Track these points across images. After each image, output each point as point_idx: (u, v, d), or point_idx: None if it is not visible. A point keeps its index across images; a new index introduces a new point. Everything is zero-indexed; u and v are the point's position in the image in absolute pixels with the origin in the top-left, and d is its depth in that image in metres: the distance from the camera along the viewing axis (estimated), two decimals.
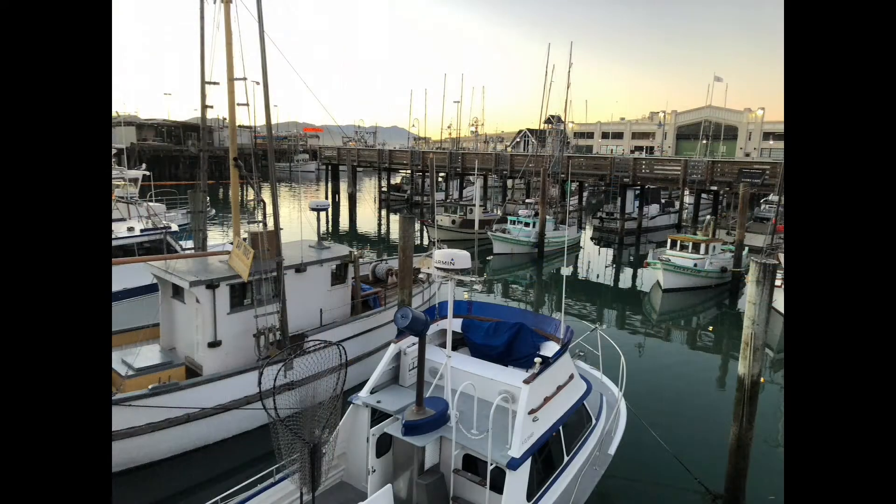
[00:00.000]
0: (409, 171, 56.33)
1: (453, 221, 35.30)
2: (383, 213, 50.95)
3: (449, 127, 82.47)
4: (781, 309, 20.28)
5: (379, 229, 43.41)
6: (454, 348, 9.04)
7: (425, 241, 35.41)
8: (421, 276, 16.58)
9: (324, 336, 11.73)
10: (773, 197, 40.81)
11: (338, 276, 13.28)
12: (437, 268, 7.32)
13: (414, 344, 8.50)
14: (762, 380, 9.50)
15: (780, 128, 77.18)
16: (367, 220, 46.42)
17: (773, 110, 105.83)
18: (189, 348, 11.37)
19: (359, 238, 37.58)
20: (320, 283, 12.82)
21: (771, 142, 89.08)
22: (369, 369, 10.95)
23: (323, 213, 15.49)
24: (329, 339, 11.44)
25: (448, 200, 44.31)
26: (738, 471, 9.39)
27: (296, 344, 10.84)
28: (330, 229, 40.16)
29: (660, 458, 10.76)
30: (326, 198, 55.87)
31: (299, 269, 12.25)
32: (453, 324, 8.10)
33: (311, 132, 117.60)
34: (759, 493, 9.76)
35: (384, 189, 56.41)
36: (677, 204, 48.47)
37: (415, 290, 14.90)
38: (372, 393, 8.10)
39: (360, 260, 14.15)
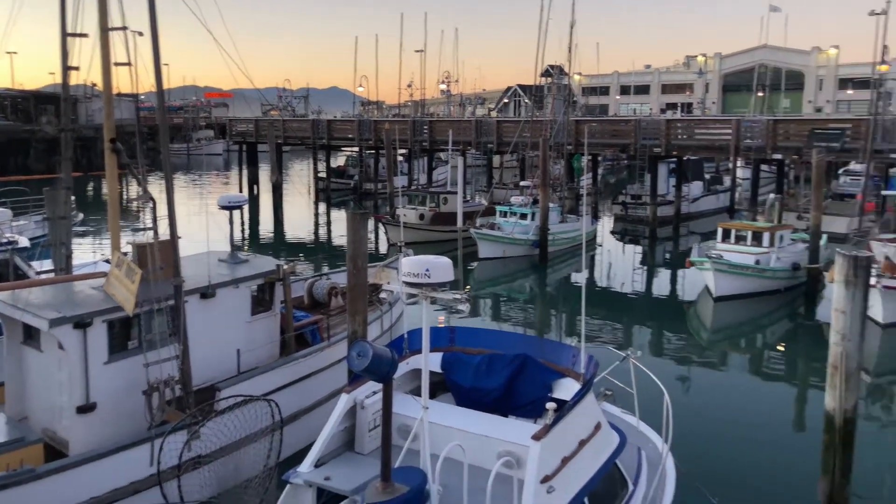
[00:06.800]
0: (356, 149, 56.27)
1: (422, 216, 35.43)
2: (322, 208, 50.86)
3: (409, 86, 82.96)
4: (880, 318, 20.76)
5: (316, 231, 43.16)
6: (432, 395, 8.99)
7: (383, 246, 35.40)
8: (381, 295, 16.55)
9: (245, 388, 11.55)
10: (855, 166, 41.99)
11: (261, 302, 13.19)
12: (405, 283, 7.32)
13: (376, 392, 8.45)
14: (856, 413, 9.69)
15: (863, 71, 79.33)
16: (300, 219, 46.23)
17: (850, 49, 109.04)
18: (48, 416, 11.08)
19: (288, 246, 37.38)
20: (236, 313, 12.74)
21: (850, 91, 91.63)
22: (312, 431, 10.81)
23: (237, 213, 15.47)
24: (252, 393, 11.49)
25: (413, 187, 44.36)
26: None
27: (206, 403, 10.78)
28: (248, 235, 39.86)
29: None
30: (241, 190, 55.52)
31: (206, 293, 12.16)
32: (430, 361, 8.07)
33: (215, 98, 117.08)
34: None
35: (322, 175, 56.33)
36: (728, 180, 49.38)
37: (371, 315, 14.85)
38: (317, 466, 8.06)
39: (292, 277, 14.07)
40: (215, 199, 15.37)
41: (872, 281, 19.19)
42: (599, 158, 50.17)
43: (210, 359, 12.09)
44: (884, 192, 30.10)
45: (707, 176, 48.19)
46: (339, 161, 67.22)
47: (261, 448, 10.07)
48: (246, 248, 34.21)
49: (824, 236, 26.92)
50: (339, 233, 39.16)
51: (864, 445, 11.87)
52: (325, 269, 23.19)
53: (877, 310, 20.58)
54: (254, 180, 56.49)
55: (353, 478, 7.76)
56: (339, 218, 45.38)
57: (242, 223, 41.69)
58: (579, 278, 29.20)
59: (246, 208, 43.10)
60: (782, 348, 22.17)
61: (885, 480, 12.56)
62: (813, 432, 14.36)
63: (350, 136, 53.07)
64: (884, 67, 33.65)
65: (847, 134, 31.56)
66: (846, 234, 28.93)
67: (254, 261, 13.86)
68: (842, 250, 9.70)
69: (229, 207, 14.71)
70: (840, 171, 48.37)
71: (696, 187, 45.06)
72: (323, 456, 8.18)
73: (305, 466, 8.02)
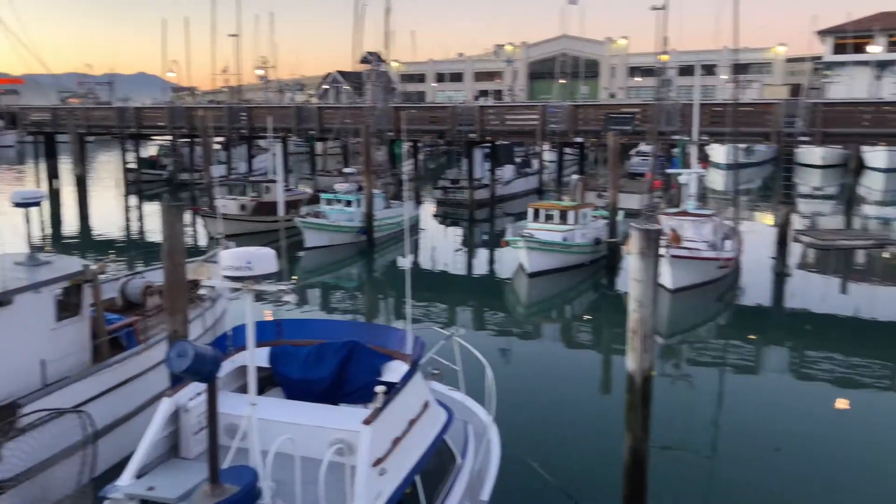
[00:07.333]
0: (169, 138, 53.25)
1: (243, 207, 34.34)
2: (133, 201, 47.92)
3: (225, 71, 79.95)
4: (669, 284, 22.97)
5: (128, 227, 40.50)
6: (261, 391, 8.78)
7: (202, 240, 33.90)
8: (201, 291, 15.88)
9: (52, 402, 10.77)
10: (645, 147, 46.05)
11: (67, 306, 12.34)
12: (227, 277, 7.10)
13: (200, 394, 8.08)
14: (652, 372, 10.66)
15: (649, 61, 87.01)
16: (109, 214, 43.13)
17: (638, 40, 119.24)
18: None
19: (97, 244, 34.79)
20: (38, 320, 11.81)
21: (638, 78, 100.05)
22: (134, 441, 10.17)
23: (35, 210, 14.23)
24: (62, 406, 10.58)
25: (232, 176, 42.70)
26: (635, 492, 10.46)
27: (4, 422, 9.77)
28: (49, 234, 36.62)
29: (546, 495, 11.56)
30: (38, 185, 50.82)
31: (2, 300, 11.17)
32: (257, 356, 7.84)
33: (3, 84, 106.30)
34: None
35: (132, 166, 53.41)
36: (536, 163, 52.25)
37: (192, 313, 14.25)
38: (139, 477, 7.61)
39: (102, 277, 13.32)
40: (8, 197, 13.99)
41: (662, 251, 21.22)
42: (419, 144, 51.07)
43: (9, 373, 11.07)
44: (668, 171, 33.29)
45: (517, 160, 50.62)
46: (150, 151, 63.45)
47: (72, 465, 9.30)
48: (47, 248, 31.19)
49: (621, 212, 29.31)
50: (154, 227, 36.94)
51: (659, 400, 13.16)
52: (140, 267, 21.75)
53: (666, 277, 22.77)
54: (53, 174, 51.81)
55: (179, 484, 7.40)
56: (154, 212, 42.75)
57: (42, 221, 38.27)
58: (404, 262, 29.67)
59: (46, 205, 39.52)
60: (590, 317, 23.93)
61: (677, 430, 13.97)
62: (618, 393, 15.72)
63: (161, 123, 50.06)
64: (665, 57, 37.06)
65: (636, 118, 34.44)
66: (639, 210, 31.67)
67: (57, 262, 12.92)
68: (635, 225, 10.52)
69: (24, 204, 13.54)
70: (632, 152, 52.83)
71: (507, 171, 47.18)
72: (145, 465, 7.72)
73: (125, 479, 7.53)
